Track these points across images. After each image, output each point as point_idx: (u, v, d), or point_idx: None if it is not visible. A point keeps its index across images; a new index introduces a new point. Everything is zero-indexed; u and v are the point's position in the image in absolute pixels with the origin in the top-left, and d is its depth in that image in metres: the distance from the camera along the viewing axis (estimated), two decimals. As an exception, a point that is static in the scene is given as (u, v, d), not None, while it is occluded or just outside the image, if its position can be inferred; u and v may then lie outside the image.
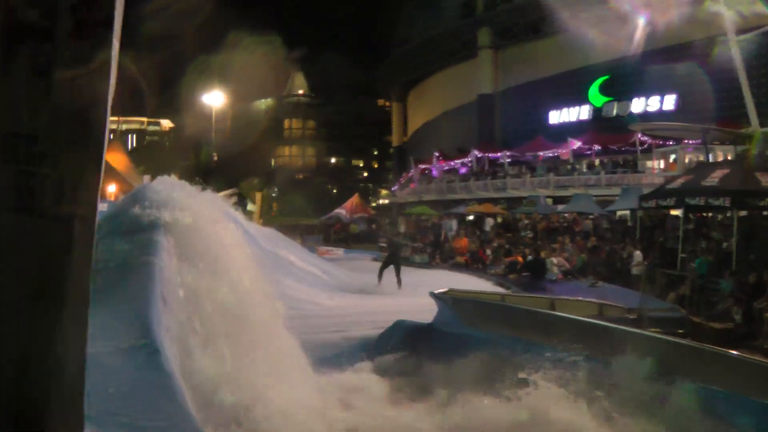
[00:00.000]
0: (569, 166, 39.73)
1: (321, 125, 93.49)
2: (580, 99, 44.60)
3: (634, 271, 17.06)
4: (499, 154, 45.41)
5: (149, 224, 6.45)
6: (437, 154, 52.08)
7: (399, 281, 16.73)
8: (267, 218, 55.72)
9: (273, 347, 6.48)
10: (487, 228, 29.06)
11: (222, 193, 39.29)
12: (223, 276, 6.27)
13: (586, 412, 5.85)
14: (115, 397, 3.81)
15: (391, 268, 17.18)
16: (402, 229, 35.81)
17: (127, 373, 4.24)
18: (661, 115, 38.68)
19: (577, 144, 39.98)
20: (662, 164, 35.56)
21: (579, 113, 45.01)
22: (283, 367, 6.57)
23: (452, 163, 50.54)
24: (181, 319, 5.44)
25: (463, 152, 49.16)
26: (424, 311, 9.40)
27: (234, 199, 38.82)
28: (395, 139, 77.74)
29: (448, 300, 8.82)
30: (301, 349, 7.25)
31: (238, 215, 18.65)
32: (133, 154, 62.81)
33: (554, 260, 18.54)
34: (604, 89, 43.40)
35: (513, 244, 23.68)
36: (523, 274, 18.06)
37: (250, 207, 44.02)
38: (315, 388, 6.91)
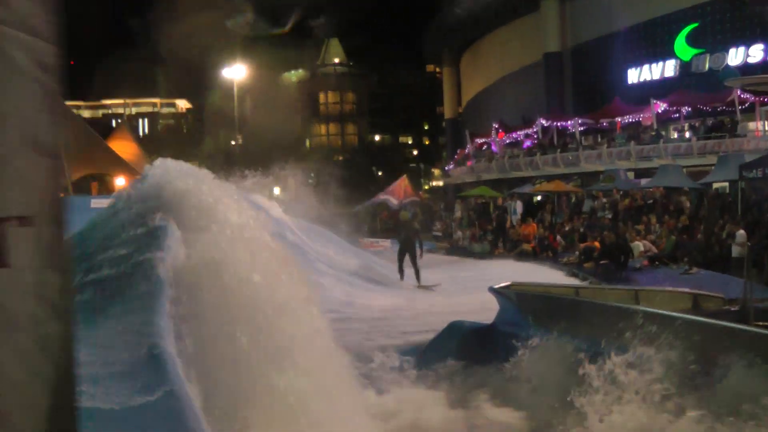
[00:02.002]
0: (653, 133, 38.87)
1: (362, 98, 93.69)
2: (665, 53, 43.56)
3: (736, 253, 16.58)
4: (569, 122, 44.69)
5: (153, 230, 6.40)
6: (497, 126, 51.58)
7: (417, 273, 16.49)
8: (301, 207, 56.21)
9: (311, 360, 6.37)
10: (515, 212, 28.53)
11: (249, 181, 39.71)
12: (245, 280, 6.21)
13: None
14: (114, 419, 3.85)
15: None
16: (458, 214, 35.67)
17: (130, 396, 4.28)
18: (765, 66, 37.51)
19: (662, 106, 39.09)
20: (768, 126, 34.53)
21: (663, 70, 43.97)
22: (323, 383, 6.47)
23: (515, 136, 49.99)
24: (197, 334, 5.46)
25: (528, 122, 48.58)
26: (485, 310, 9.36)
27: (263, 188, 39.40)
28: (448, 111, 77.31)
29: (511, 295, 8.67)
30: (345, 362, 7.22)
31: (267, 205, 18.90)
32: (146, 141, 64.04)
33: (639, 244, 18.20)
34: (692, 39, 42.28)
35: (589, 227, 23.31)
36: (602, 262, 17.80)
37: (280, 195, 44.47)
38: (361, 409, 6.83)
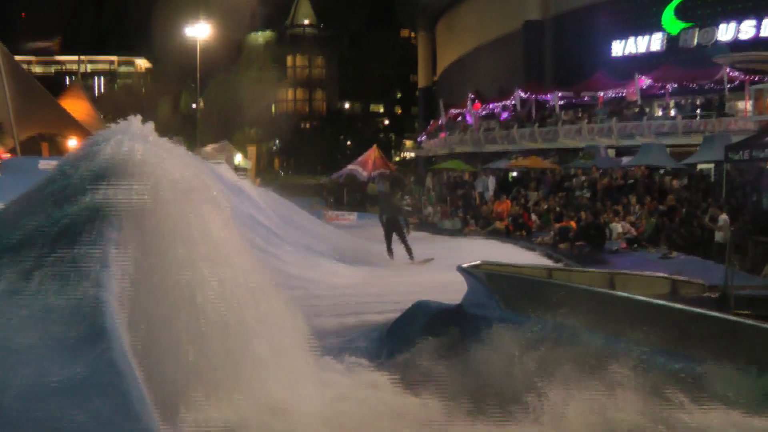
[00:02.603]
0: (637, 110, 39.00)
1: (332, 63, 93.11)
2: (651, 25, 43.60)
3: (719, 238, 16.69)
4: (549, 95, 44.66)
5: (95, 201, 6.16)
6: (472, 97, 51.38)
7: (409, 251, 16.62)
8: (265, 177, 55.84)
9: (266, 338, 6.30)
10: (487, 189, 28.51)
11: (209, 147, 39.49)
12: (197, 253, 6.14)
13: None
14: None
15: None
16: (429, 187, 35.60)
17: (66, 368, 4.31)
18: (756, 43, 37.68)
19: (646, 82, 39.17)
20: (756, 106, 34.72)
21: (649, 43, 44.03)
22: (281, 360, 6.46)
23: (491, 107, 49.90)
24: (142, 308, 5.44)
25: (505, 93, 48.46)
26: (453, 290, 9.26)
27: (223, 155, 39.02)
28: (422, 79, 77.12)
29: (480, 276, 8.52)
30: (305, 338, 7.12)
31: (226, 174, 18.63)
32: (101, 101, 63.03)
33: (617, 225, 18.23)
34: (681, 12, 42.37)
35: (566, 206, 23.34)
36: (577, 243, 17.82)
37: (242, 163, 44.10)
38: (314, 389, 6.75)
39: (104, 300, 5.03)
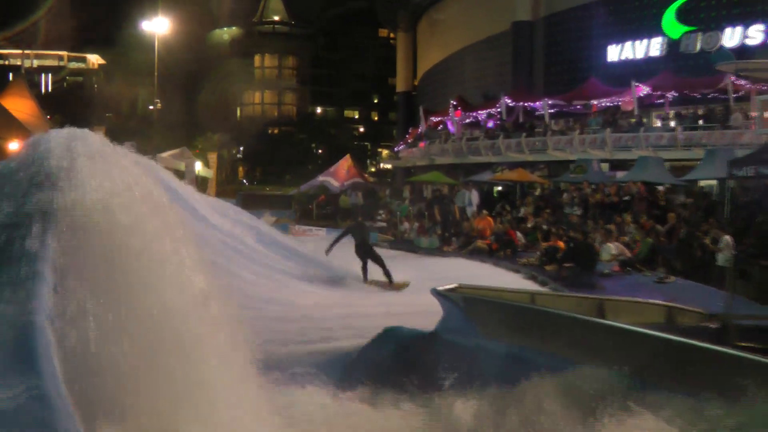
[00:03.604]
0: (633, 120, 39.26)
1: (303, 64, 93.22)
2: (651, 28, 43.88)
3: (721, 261, 16.73)
4: (538, 102, 44.91)
5: (29, 213, 6.12)
6: (455, 103, 51.60)
7: (388, 275, 16.57)
8: (228, 187, 55.63)
9: (206, 365, 6.23)
10: (469, 203, 28.55)
11: (166, 153, 39.21)
12: (142, 270, 6.10)
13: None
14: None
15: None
16: (407, 201, 35.59)
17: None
18: (764, 49, 38.02)
19: (644, 89, 39.47)
20: (762, 118, 35.03)
21: (648, 48, 44.32)
22: (223, 390, 6.37)
23: (475, 115, 50.09)
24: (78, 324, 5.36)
25: (491, 100, 48.70)
26: (427, 314, 9.26)
27: (182, 162, 38.78)
28: (401, 83, 77.28)
29: (457, 300, 8.58)
30: (251, 365, 7.02)
31: (180, 184, 18.48)
32: (48, 100, 62.46)
33: (610, 246, 18.25)
34: (683, 15, 42.71)
35: (554, 224, 23.36)
36: (565, 265, 17.79)
37: (202, 171, 43.87)
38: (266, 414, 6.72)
39: (35, 322, 4.96)
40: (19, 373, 4.50)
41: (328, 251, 16.58)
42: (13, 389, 4.35)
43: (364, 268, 16.90)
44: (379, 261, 16.72)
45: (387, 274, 16.54)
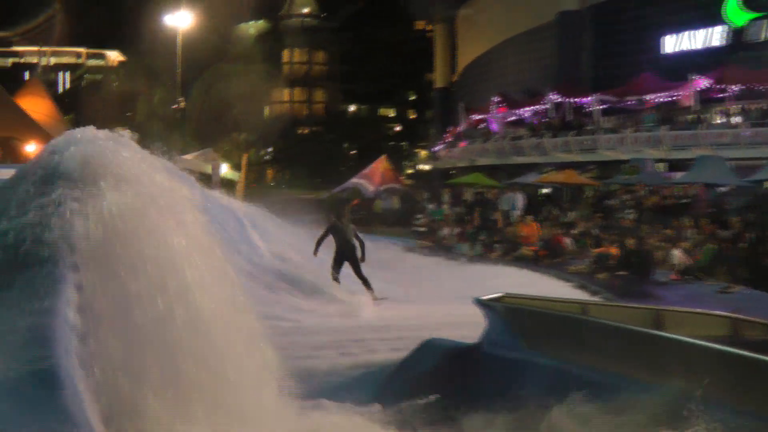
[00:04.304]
0: (691, 116, 38.96)
1: (334, 59, 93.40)
2: (711, 16, 43.56)
3: (791, 270, 16.57)
4: (588, 98, 44.71)
5: (50, 218, 6.22)
6: (498, 100, 51.54)
7: (366, 284, 15.93)
8: (256, 190, 55.84)
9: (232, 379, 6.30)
10: (514, 207, 28.42)
11: (190, 155, 39.64)
12: (161, 279, 6.21)
13: None
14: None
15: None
16: (446, 205, 35.53)
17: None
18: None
19: (704, 83, 39.14)
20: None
21: (708, 37, 43.99)
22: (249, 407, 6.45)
23: (519, 113, 49.98)
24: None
25: (535, 97, 48.54)
26: (469, 325, 9.21)
27: (207, 164, 39.12)
28: (439, 79, 77.31)
29: (501, 310, 8.53)
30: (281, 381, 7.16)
31: (205, 189, 18.71)
32: (66, 99, 63.27)
33: (676, 253, 18.09)
34: (748, 1, 42.32)
35: (606, 229, 23.22)
36: (619, 273, 17.67)
37: (229, 173, 44.15)
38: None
39: (56, 332, 5.07)
40: (40, 387, 4.62)
41: (315, 252, 16.03)
42: (36, 405, 4.46)
43: (336, 274, 16.07)
44: (357, 269, 16.03)
45: (366, 283, 15.95)
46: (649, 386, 6.65)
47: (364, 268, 16.01)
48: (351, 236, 16.06)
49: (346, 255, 15.94)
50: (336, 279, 15.87)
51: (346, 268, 16.06)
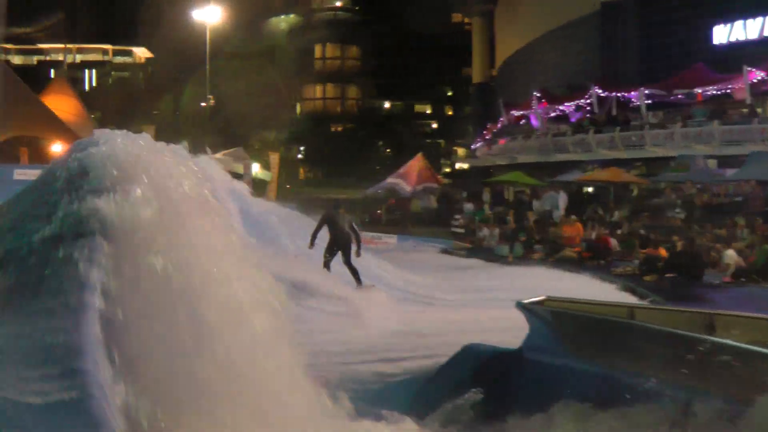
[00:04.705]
0: (745, 110, 38.57)
1: (368, 54, 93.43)
2: (765, 4, 43.07)
3: None
4: (633, 92, 44.39)
5: (76, 222, 6.23)
6: (539, 95, 51.36)
7: (355, 273, 16.00)
8: (287, 190, 56.12)
9: (264, 389, 6.32)
10: (556, 207, 28.28)
11: (220, 154, 40.02)
12: (193, 283, 6.20)
13: None
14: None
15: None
16: (486, 204, 35.47)
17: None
18: None
19: (758, 75, 38.73)
20: None
21: (763, 27, 43.51)
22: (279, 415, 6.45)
23: (562, 108, 49.76)
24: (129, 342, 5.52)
25: (579, 91, 48.30)
26: (510, 330, 9.23)
27: (237, 163, 39.34)
28: (477, 74, 77.19)
29: (544, 314, 8.50)
30: (314, 388, 7.08)
31: (239, 187, 18.82)
32: (91, 98, 63.91)
33: (731, 253, 17.92)
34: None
35: (653, 228, 23.07)
36: (668, 275, 17.54)
37: (260, 173, 44.36)
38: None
39: (85, 343, 5.14)
40: (68, 397, 4.69)
41: (311, 245, 15.98)
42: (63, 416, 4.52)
43: (327, 262, 16.03)
44: (348, 259, 16.03)
45: (355, 273, 16.03)
46: (700, 394, 6.59)
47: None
48: (346, 227, 16.08)
49: (339, 244, 16.00)
50: (327, 266, 15.98)
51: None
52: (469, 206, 35.04)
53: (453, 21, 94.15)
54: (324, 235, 15.89)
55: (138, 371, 5.39)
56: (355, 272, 15.97)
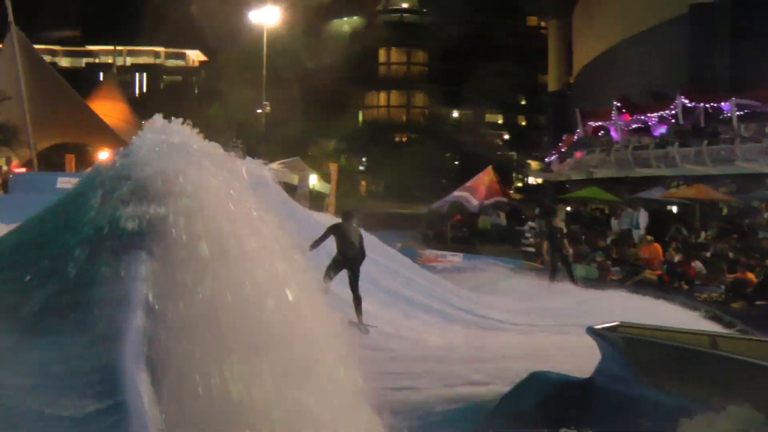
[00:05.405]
0: None
1: (436, 59, 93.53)
2: None
3: None
4: (724, 103, 43.84)
5: (122, 230, 6.34)
6: (619, 105, 50.94)
7: (358, 304, 14.83)
8: (348, 203, 56.31)
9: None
10: (636, 225, 27.86)
11: (276, 164, 40.31)
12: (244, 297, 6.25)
13: None
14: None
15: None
16: (561, 222, 35.21)
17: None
18: None
19: None
20: None
21: None
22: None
23: (643, 119, 49.30)
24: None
25: (663, 101, 47.82)
26: (580, 357, 9.30)
27: (294, 174, 39.66)
28: (553, 82, 76.91)
29: (617, 341, 8.42)
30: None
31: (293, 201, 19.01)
32: (142, 103, 64.86)
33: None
34: None
35: (743, 251, 22.72)
36: (758, 302, 17.27)
37: (318, 185, 44.62)
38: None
39: (126, 365, 5.19)
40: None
41: (309, 251, 14.61)
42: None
43: (328, 276, 14.58)
44: (354, 282, 14.95)
45: (358, 301, 14.84)
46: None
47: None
48: (355, 240, 15.10)
49: (348, 261, 14.94)
50: (327, 280, 14.17)
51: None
52: (531, 224, 34.68)
53: (528, 25, 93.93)
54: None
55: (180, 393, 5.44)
56: (358, 301, 14.83)
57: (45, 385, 5.07)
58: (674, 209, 36.13)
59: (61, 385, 5.09)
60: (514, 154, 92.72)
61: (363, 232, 16.81)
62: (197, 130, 7.89)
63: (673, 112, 45.85)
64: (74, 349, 5.39)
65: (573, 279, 22.73)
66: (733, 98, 42.71)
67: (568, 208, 38.68)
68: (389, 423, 7.20)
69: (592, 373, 8.61)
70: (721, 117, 44.07)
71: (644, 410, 7.59)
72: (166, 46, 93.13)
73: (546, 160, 64.35)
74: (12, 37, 37.29)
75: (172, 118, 8.06)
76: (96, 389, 5.01)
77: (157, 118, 7.97)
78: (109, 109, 44.79)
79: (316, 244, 14.38)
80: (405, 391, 9.90)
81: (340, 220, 15.19)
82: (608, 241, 27.59)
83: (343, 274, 14.88)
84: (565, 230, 29.03)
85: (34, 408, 4.78)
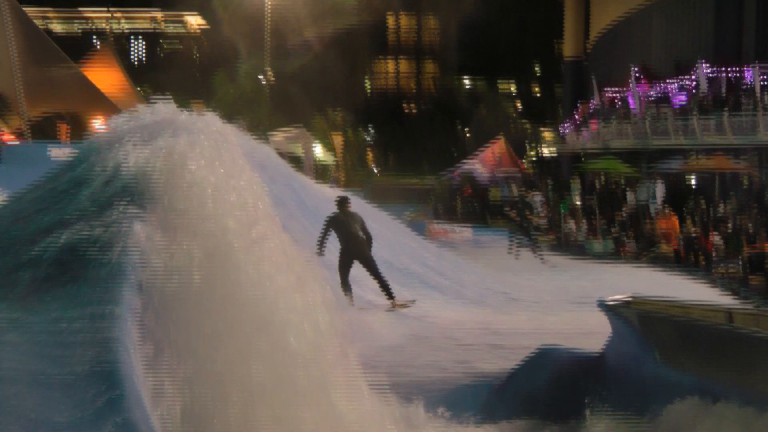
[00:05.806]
0: None
1: (448, 25, 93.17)
2: None
3: None
4: (748, 71, 43.63)
5: (116, 202, 6.38)
6: (638, 73, 50.71)
7: (385, 288, 14.52)
8: (355, 175, 56.35)
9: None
10: (654, 198, 27.86)
11: (280, 135, 40.41)
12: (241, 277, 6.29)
13: None
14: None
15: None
16: (576, 196, 35.21)
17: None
18: None
19: None
20: None
21: None
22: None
23: (663, 87, 49.08)
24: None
25: (684, 69, 47.60)
26: (591, 333, 9.42)
27: (298, 144, 39.75)
28: (569, 49, 76.27)
29: (630, 316, 8.38)
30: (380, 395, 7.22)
31: (294, 173, 19.06)
32: (139, 71, 64.76)
33: None
34: None
35: (763, 225, 22.73)
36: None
37: (323, 157, 44.63)
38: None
39: (117, 332, 5.21)
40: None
41: (320, 253, 14.03)
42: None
43: (344, 279, 14.54)
44: (373, 269, 14.65)
45: (385, 287, 14.58)
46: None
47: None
48: (357, 229, 14.58)
49: (354, 253, 14.54)
50: (345, 287, 14.37)
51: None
52: (539, 197, 34.44)
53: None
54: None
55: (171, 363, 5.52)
56: (384, 286, 14.54)
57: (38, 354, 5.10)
58: (693, 182, 36.04)
59: (53, 354, 5.10)
60: (527, 124, 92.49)
61: (371, 209, 16.89)
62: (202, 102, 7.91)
63: (694, 81, 45.64)
64: (67, 324, 5.40)
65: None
66: (756, 65, 42.54)
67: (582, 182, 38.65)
68: (403, 399, 7.29)
69: (603, 348, 8.65)
70: (743, 86, 43.89)
71: (659, 389, 7.64)
72: (164, 10, 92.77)
73: (561, 130, 64.19)
74: (1, 1, 37.01)
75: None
76: (91, 367, 5.00)
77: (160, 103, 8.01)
78: (104, 76, 44.50)
79: (321, 242, 14.35)
80: (415, 368, 10.00)
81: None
82: (624, 214, 27.56)
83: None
84: (578, 204, 29.15)
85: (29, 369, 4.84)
